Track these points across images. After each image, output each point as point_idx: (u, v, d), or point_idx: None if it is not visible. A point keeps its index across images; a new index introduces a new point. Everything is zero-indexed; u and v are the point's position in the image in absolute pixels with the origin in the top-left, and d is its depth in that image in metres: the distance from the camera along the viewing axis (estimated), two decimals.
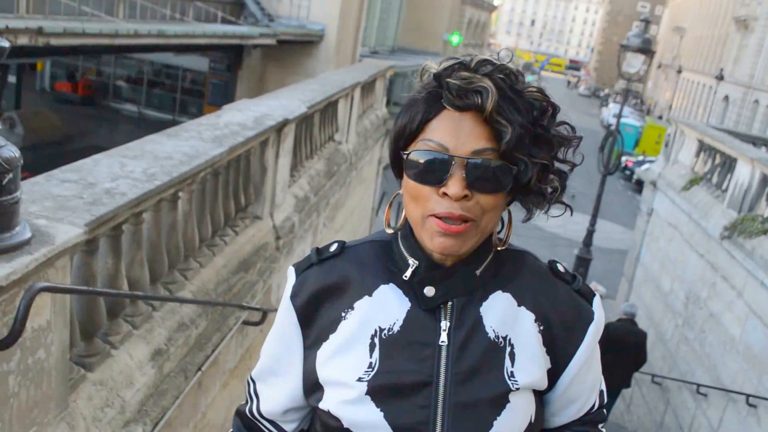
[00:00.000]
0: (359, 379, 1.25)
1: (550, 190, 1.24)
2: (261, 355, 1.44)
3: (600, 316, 1.34)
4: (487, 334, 1.26)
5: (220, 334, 4.60)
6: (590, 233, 14.14)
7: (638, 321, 9.57)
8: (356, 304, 1.30)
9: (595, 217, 14.21)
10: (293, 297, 1.34)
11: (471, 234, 1.21)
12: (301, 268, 1.36)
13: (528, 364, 1.27)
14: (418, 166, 1.20)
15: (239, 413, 1.49)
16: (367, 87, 11.99)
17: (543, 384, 1.30)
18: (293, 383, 1.37)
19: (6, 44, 2.03)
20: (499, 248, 1.31)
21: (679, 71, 52.84)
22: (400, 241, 1.32)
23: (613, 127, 14.68)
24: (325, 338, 1.31)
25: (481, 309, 1.28)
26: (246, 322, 5.21)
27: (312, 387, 1.33)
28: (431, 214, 1.20)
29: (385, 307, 1.28)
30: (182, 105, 28.94)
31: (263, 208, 6.02)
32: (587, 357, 1.33)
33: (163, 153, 4.02)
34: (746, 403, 8.05)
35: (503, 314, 1.28)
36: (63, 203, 2.90)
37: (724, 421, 8.80)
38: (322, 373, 1.30)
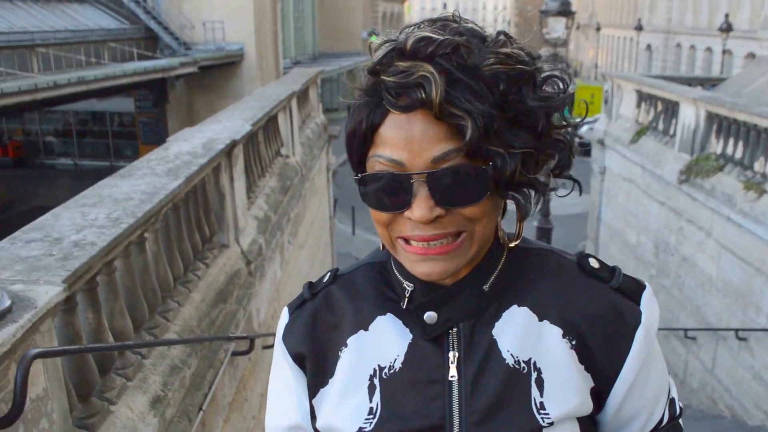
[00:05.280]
0: (360, 430, 1.07)
1: (551, 167, 1.04)
2: (268, 401, 1.29)
3: (650, 315, 1.09)
4: (505, 360, 1.05)
5: (213, 369, 4.45)
6: (546, 203, 14.22)
7: None
8: (350, 341, 1.12)
9: None
10: (285, 338, 1.18)
11: (464, 248, 1.00)
12: (294, 306, 1.20)
13: (562, 391, 1.05)
14: (372, 192, 1.00)
15: None
16: (302, 96, 11.87)
17: (587, 409, 1.07)
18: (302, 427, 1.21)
19: None
20: (511, 245, 1.11)
21: (598, 29, 53.89)
22: (392, 262, 1.12)
23: None
24: (323, 383, 1.14)
25: (494, 331, 1.07)
26: (235, 353, 5.07)
27: None
28: (400, 236, 1.01)
29: (383, 342, 1.10)
30: (117, 149, 28.27)
31: (228, 235, 5.87)
32: (640, 366, 1.09)
33: (121, 195, 3.86)
34: (736, 338, 8.14)
35: (523, 333, 1.06)
36: (34, 264, 2.74)
37: (717, 359, 8.89)
38: (320, 421, 1.14)
